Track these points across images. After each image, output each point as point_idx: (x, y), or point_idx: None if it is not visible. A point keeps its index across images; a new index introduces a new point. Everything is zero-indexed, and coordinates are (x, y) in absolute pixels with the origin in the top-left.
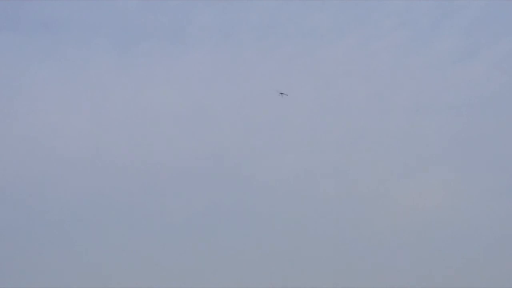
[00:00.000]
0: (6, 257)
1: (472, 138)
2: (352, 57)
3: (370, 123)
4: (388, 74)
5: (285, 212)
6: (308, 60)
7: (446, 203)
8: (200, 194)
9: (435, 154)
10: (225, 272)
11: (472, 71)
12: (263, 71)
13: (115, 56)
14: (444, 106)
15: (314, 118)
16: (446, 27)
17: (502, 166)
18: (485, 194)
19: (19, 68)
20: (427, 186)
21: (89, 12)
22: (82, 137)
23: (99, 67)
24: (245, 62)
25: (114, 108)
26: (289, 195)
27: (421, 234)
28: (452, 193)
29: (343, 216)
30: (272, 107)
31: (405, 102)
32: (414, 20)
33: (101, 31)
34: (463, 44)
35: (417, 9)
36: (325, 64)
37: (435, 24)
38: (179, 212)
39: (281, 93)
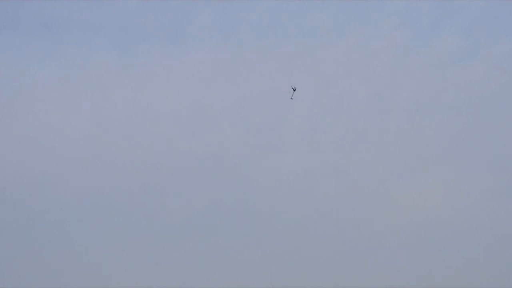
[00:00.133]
0: (6, 257)
1: (472, 138)
2: (352, 57)
3: (370, 123)
4: (388, 74)
5: (285, 212)
6: (308, 60)
7: (446, 203)
8: (200, 194)
9: (435, 154)
10: (225, 272)
11: (472, 71)
12: (263, 71)
13: (115, 56)
14: (444, 106)
15: (314, 118)
16: (446, 27)
17: (502, 166)
18: (485, 194)
19: (19, 68)
20: (427, 186)
21: (89, 12)
22: (82, 137)
23: (99, 67)
24: (245, 62)
25: (114, 108)
26: (289, 195)
27: (421, 234)
28: (452, 193)
29: (343, 216)
30: (272, 107)
31: (405, 102)
32: (414, 20)
33: (101, 31)
34: (463, 44)
35: (417, 9)
36: (325, 64)
37: (435, 24)
38: (179, 212)
39: (294, 89)
